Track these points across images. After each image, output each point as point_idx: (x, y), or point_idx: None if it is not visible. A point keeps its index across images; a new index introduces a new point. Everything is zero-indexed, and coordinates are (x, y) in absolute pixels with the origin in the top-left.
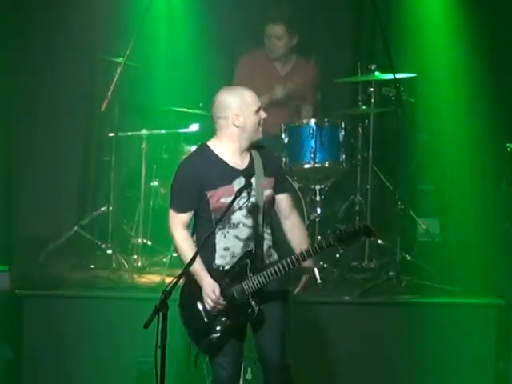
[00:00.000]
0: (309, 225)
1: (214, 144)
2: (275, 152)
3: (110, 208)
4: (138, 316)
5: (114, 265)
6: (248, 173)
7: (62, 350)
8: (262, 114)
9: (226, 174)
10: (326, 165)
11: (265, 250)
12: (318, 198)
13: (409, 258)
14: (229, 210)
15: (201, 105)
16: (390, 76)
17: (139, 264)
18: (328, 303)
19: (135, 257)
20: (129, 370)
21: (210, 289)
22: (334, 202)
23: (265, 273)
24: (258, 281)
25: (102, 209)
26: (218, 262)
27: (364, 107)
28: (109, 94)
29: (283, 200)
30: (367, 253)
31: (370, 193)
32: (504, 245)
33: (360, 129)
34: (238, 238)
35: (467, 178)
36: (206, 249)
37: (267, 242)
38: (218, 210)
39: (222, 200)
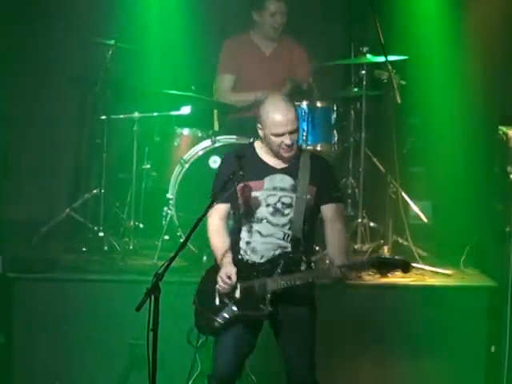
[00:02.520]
0: None
1: (258, 143)
2: (326, 162)
3: (102, 191)
4: (130, 299)
5: (106, 247)
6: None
7: (54, 333)
8: (286, 141)
9: (260, 169)
10: (318, 147)
11: (294, 261)
12: None
13: (401, 241)
14: (256, 204)
15: (193, 87)
16: (381, 59)
17: (131, 247)
18: (320, 286)
19: (127, 239)
20: (121, 353)
21: (224, 272)
22: None
23: (293, 277)
24: (284, 281)
25: (94, 191)
26: (241, 254)
27: (356, 89)
28: (101, 75)
29: (327, 210)
30: (359, 236)
31: (363, 175)
32: (496, 228)
33: (352, 111)
34: (260, 233)
35: (459, 161)
36: (233, 240)
37: (297, 254)
38: (245, 204)
39: (249, 193)
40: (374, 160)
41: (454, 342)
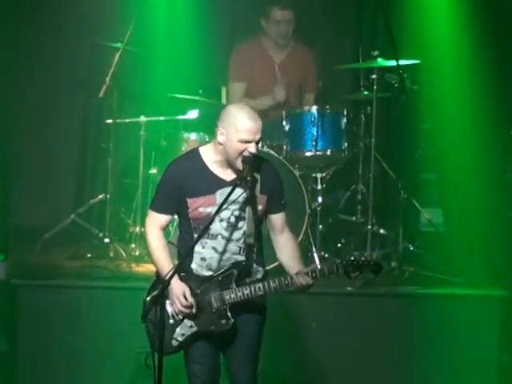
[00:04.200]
0: (310, 214)
1: (205, 150)
2: (274, 170)
3: (108, 196)
4: (136, 306)
5: (112, 254)
6: (245, 179)
7: (59, 341)
8: (251, 149)
9: (210, 183)
10: (328, 153)
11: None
12: (319, 187)
13: (411, 249)
14: (208, 220)
15: (200, 91)
16: (392, 63)
17: (137, 253)
18: (329, 294)
19: (133, 246)
20: (126, 361)
21: (180, 291)
22: (336, 191)
23: (252, 287)
24: (242, 293)
25: (100, 197)
26: (194, 267)
27: (366, 92)
28: (107, 79)
29: (277, 218)
30: (369, 243)
31: (373, 181)
32: (508, 235)
33: (362, 116)
34: (215, 249)
35: (471, 167)
36: (183, 252)
37: (253, 262)
38: (196, 219)
39: (201, 209)
40: (385, 166)
41: (465, 352)
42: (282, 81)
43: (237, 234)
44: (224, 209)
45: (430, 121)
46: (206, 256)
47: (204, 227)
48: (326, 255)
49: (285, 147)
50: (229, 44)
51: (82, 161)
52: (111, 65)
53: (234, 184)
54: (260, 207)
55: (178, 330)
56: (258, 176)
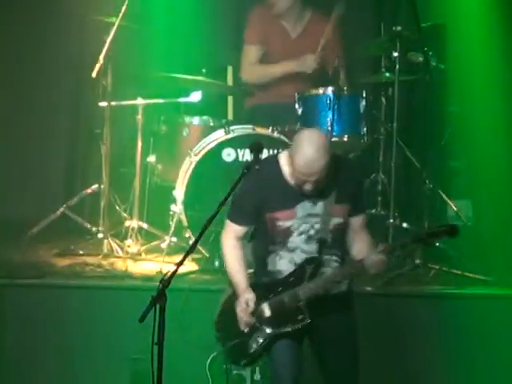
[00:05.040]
0: None
1: (285, 159)
2: (354, 174)
3: (102, 186)
4: (133, 308)
5: (106, 250)
6: (256, 146)
7: (48, 345)
8: (307, 186)
9: (290, 196)
10: (345, 138)
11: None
12: None
13: (438, 244)
14: (287, 233)
15: (204, 71)
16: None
17: (134, 250)
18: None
19: (129, 241)
20: (122, 368)
21: (245, 299)
22: None
23: (324, 276)
24: (316, 285)
25: (93, 187)
26: (267, 280)
27: (388, 74)
28: (100, 58)
29: (356, 221)
30: (391, 238)
31: (394, 170)
32: None
33: (383, 98)
34: (293, 262)
35: (503, 154)
36: (258, 263)
37: (330, 265)
38: (275, 232)
39: (280, 223)
40: (408, 153)
41: (496, 357)
42: (299, 53)
43: (316, 246)
44: (304, 223)
45: (457, 103)
46: (282, 268)
47: (278, 239)
48: None
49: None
50: (236, 18)
51: (73, 148)
52: (105, 42)
53: (313, 196)
54: (339, 219)
55: (254, 336)
56: (335, 183)
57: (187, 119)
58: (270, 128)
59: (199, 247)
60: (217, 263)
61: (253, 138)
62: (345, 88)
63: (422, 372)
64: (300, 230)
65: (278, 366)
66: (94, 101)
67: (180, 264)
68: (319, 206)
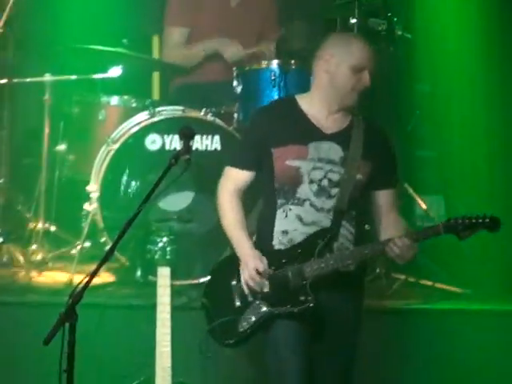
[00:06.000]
0: None
1: (303, 97)
2: (384, 133)
3: (0, 181)
4: (37, 328)
5: (5, 259)
6: (186, 132)
7: None
8: (365, 79)
9: (303, 131)
10: None
11: (341, 249)
12: None
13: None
14: (296, 178)
15: (124, 41)
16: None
17: (39, 257)
18: None
19: (34, 247)
20: None
21: (253, 266)
22: None
23: (337, 255)
24: (326, 264)
25: None
26: (275, 245)
27: None
28: None
29: (382, 196)
30: None
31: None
32: None
33: None
34: (300, 219)
35: (482, 143)
36: (263, 227)
37: (345, 241)
38: (281, 176)
39: (288, 162)
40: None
41: (475, 380)
42: (238, 30)
43: (329, 203)
44: (316, 168)
45: (427, 81)
46: (288, 228)
47: (285, 186)
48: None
49: (236, 115)
50: None
51: None
52: (4, 8)
53: (331, 138)
54: (359, 176)
55: (245, 314)
56: (362, 132)
57: (104, 99)
58: (203, 110)
59: (117, 254)
60: (138, 273)
61: (182, 122)
62: (292, 61)
63: None
64: (311, 176)
65: (279, 352)
66: None
67: (94, 274)
68: (338, 152)
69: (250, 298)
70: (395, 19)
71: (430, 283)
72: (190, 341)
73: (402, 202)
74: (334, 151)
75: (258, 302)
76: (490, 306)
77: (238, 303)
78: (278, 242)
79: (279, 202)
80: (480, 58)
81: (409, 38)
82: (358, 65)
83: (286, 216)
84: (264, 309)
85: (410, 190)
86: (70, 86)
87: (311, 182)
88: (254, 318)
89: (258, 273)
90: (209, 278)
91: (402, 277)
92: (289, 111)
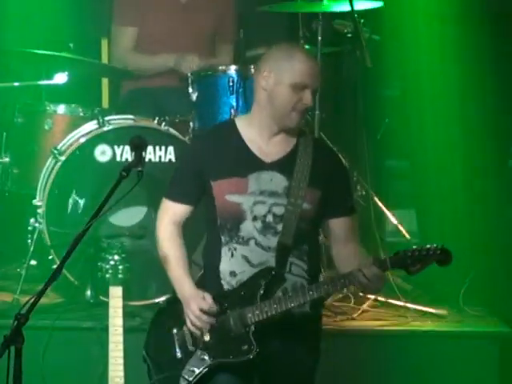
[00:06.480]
0: None
1: (242, 120)
2: (335, 155)
3: None
4: None
5: None
6: (138, 143)
7: None
8: (306, 99)
9: (242, 161)
10: None
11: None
12: None
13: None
14: (238, 215)
15: (71, 45)
16: (345, 6)
17: None
18: None
19: None
20: None
21: (193, 300)
22: None
23: (284, 298)
24: (270, 308)
25: None
26: (224, 285)
27: (307, 46)
28: None
29: (338, 224)
30: None
31: None
32: (510, 247)
33: None
34: (247, 260)
35: (458, 151)
36: (209, 264)
37: (298, 278)
38: (223, 213)
39: (227, 197)
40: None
41: None
42: (188, 29)
43: (275, 241)
44: (259, 202)
45: (397, 86)
46: (235, 269)
47: (227, 223)
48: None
49: (192, 124)
50: None
51: None
52: None
53: (273, 167)
54: (307, 206)
55: (187, 365)
56: (309, 156)
57: (50, 107)
58: (156, 119)
59: (65, 273)
60: (89, 293)
61: (134, 132)
62: (251, 66)
63: None
64: (254, 212)
65: None
66: None
67: (41, 294)
68: (282, 182)
69: (191, 348)
70: (362, 21)
71: (401, 303)
72: (143, 364)
73: (371, 215)
74: (277, 181)
75: (199, 353)
76: (466, 327)
77: (178, 354)
78: (226, 283)
79: (223, 239)
80: (454, 59)
81: (376, 39)
82: (299, 83)
83: (232, 255)
84: (206, 359)
85: (380, 204)
86: (13, 93)
87: (255, 218)
88: (196, 370)
89: (203, 311)
90: (148, 329)
91: (372, 296)
92: (227, 138)
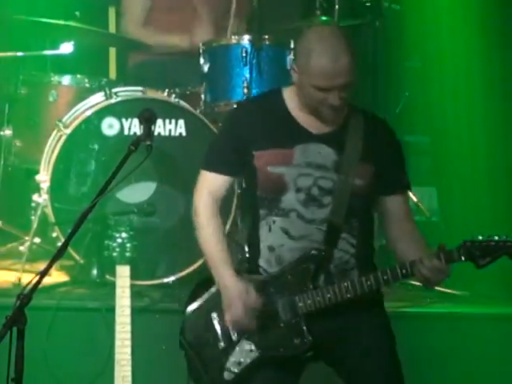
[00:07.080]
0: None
1: (289, 91)
2: (389, 130)
3: None
4: None
5: None
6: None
7: None
8: (332, 100)
9: (288, 132)
10: None
11: (339, 265)
12: None
13: None
14: (280, 186)
15: (77, 14)
16: None
17: None
18: None
19: None
20: None
21: (236, 300)
22: None
23: (338, 286)
24: (323, 297)
25: None
26: (262, 264)
27: (324, 18)
28: None
29: (392, 202)
30: None
31: None
32: None
33: None
34: (286, 233)
35: (480, 126)
36: (250, 240)
37: (344, 254)
38: (264, 184)
39: (270, 168)
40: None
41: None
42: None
43: (320, 214)
44: (303, 174)
45: (418, 57)
46: (273, 243)
47: (268, 195)
48: None
49: (203, 96)
50: None
51: None
52: None
53: (322, 140)
54: (359, 181)
55: (231, 357)
56: (361, 130)
57: (55, 78)
58: (166, 91)
59: (70, 251)
60: (95, 272)
61: (142, 105)
62: (266, 37)
63: None
64: (298, 184)
65: None
66: None
67: (44, 273)
68: (330, 156)
69: (235, 337)
70: None
71: (422, 285)
72: (152, 347)
73: None
74: (325, 154)
75: (245, 343)
76: (487, 309)
77: (222, 344)
78: (265, 261)
79: (261, 212)
80: (477, 31)
81: (397, 9)
82: (322, 86)
83: (270, 230)
84: (254, 350)
85: None
86: (17, 63)
87: (298, 190)
88: (243, 362)
89: (247, 308)
90: (183, 312)
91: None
92: (272, 108)
